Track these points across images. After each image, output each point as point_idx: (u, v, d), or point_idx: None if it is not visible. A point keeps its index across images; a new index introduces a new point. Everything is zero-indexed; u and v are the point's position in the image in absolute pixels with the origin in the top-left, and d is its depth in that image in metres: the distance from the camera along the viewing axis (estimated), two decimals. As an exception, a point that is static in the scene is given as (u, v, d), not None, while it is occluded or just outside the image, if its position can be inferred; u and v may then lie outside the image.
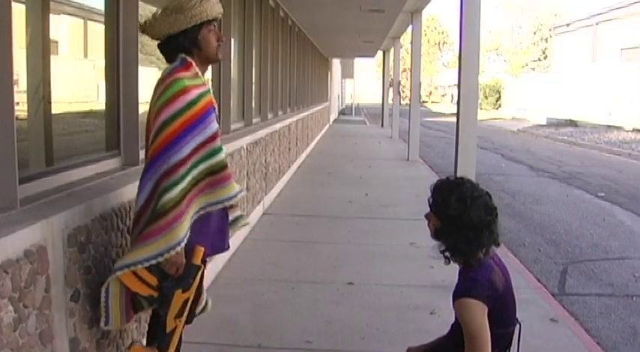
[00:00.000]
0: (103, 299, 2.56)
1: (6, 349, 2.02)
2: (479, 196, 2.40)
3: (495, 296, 2.34)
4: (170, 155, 2.49)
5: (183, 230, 2.48)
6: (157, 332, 2.65)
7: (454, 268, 2.52)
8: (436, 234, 2.47)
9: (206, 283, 4.80)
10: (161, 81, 2.58)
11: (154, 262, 2.48)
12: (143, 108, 3.97)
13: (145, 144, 2.59)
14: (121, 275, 2.51)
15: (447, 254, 2.46)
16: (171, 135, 2.49)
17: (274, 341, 3.86)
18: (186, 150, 2.52)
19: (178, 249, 2.47)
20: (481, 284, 2.32)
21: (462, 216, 2.37)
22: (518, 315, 2.51)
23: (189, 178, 2.52)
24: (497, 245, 2.45)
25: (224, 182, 2.65)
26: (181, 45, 2.64)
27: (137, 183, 3.18)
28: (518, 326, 2.50)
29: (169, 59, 2.69)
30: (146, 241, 2.48)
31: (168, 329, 2.60)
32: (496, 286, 2.36)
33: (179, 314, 2.62)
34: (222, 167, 2.65)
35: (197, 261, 2.61)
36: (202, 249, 2.63)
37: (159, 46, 2.71)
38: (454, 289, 2.39)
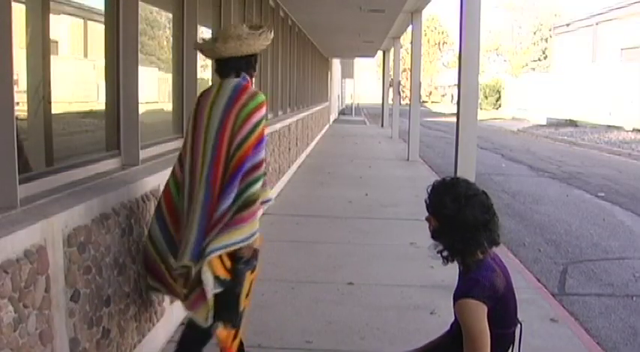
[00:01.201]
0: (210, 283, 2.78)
1: (6, 349, 2.02)
2: (473, 195, 2.40)
3: (496, 296, 2.34)
4: (255, 154, 2.85)
5: (258, 220, 2.88)
6: (230, 313, 2.89)
7: (454, 268, 2.52)
8: (434, 234, 2.47)
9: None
10: (241, 89, 2.93)
11: (244, 244, 2.80)
12: (143, 108, 3.98)
13: (217, 140, 2.87)
14: (210, 259, 2.74)
15: (445, 254, 2.46)
16: (258, 137, 2.87)
17: (274, 341, 3.86)
18: (263, 153, 2.89)
19: (257, 235, 2.86)
20: (482, 285, 2.32)
21: (457, 215, 2.37)
22: (518, 315, 2.51)
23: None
24: (497, 244, 2.45)
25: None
26: (248, 65, 3.04)
27: (136, 183, 3.19)
28: (519, 326, 2.50)
29: (224, 74, 3.01)
30: (237, 225, 2.78)
31: (241, 308, 2.93)
32: (497, 287, 2.35)
33: (247, 294, 2.95)
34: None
35: (258, 246, 2.95)
36: (261, 236, 2.95)
37: (226, 60, 3.00)
38: (455, 290, 2.39)
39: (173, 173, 3.09)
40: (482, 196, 2.43)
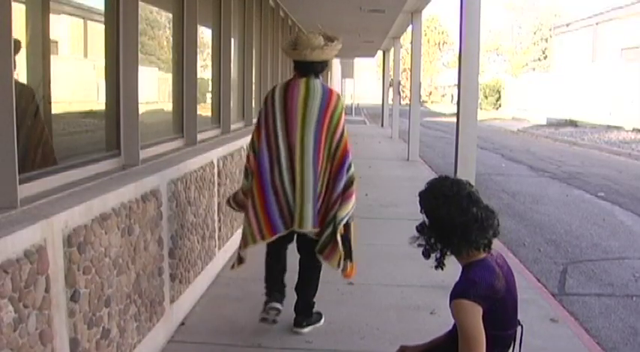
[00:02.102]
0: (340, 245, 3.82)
1: (6, 349, 2.02)
2: (453, 195, 2.40)
3: (494, 298, 2.33)
4: (349, 145, 3.87)
5: None
6: (351, 253, 3.93)
7: (454, 269, 2.52)
8: (417, 227, 2.49)
9: (206, 283, 4.81)
10: (330, 92, 3.86)
11: (352, 210, 3.86)
12: (143, 108, 3.98)
13: (317, 135, 3.78)
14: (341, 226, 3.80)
15: (424, 248, 2.48)
16: (347, 133, 3.88)
17: (274, 341, 3.86)
18: None
19: None
20: (479, 286, 2.32)
21: (433, 212, 2.42)
22: (518, 317, 2.51)
23: None
24: (480, 249, 2.40)
25: None
26: (323, 68, 3.92)
27: (136, 183, 3.20)
28: (520, 329, 2.49)
29: (305, 74, 3.84)
30: (350, 199, 3.82)
31: (353, 248, 3.95)
32: (496, 289, 2.34)
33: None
34: None
35: None
36: None
37: (309, 64, 3.83)
38: (452, 288, 2.39)
39: (249, 164, 3.91)
40: (463, 198, 2.39)
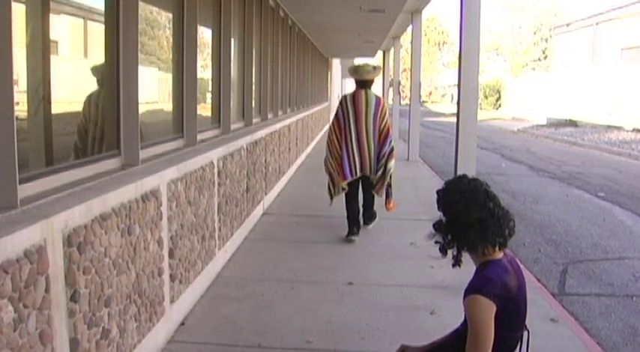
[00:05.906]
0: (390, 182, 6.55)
1: (6, 349, 2.02)
2: (470, 191, 2.41)
3: (508, 296, 2.34)
4: (391, 127, 6.68)
5: None
6: (390, 192, 6.59)
7: (455, 270, 2.52)
8: (434, 225, 2.49)
9: (206, 283, 4.81)
10: (379, 98, 6.55)
11: (394, 167, 6.52)
12: (143, 108, 3.98)
13: (374, 121, 6.44)
14: (390, 172, 6.46)
15: (441, 244, 2.48)
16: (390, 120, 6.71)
17: (274, 341, 3.86)
18: None
19: None
20: (494, 283, 2.33)
21: (451, 209, 2.43)
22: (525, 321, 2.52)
23: None
24: (495, 245, 2.41)
25: None
26: (371, 83, 6.58)
27: (136, 183, 3.21)
28: (526, 333, 2.50)
29: (362, 87, 6.50)
30: (392, 158, 6.39)
31: (393, 192, 6.63)
32: (509, 287, 2.36)
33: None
34: None
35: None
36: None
37: (365, 81, 6.53)
38: (467, 285, 2.39)
39: (331, 140, 6.52)
40: (481, 194, 2.42)
